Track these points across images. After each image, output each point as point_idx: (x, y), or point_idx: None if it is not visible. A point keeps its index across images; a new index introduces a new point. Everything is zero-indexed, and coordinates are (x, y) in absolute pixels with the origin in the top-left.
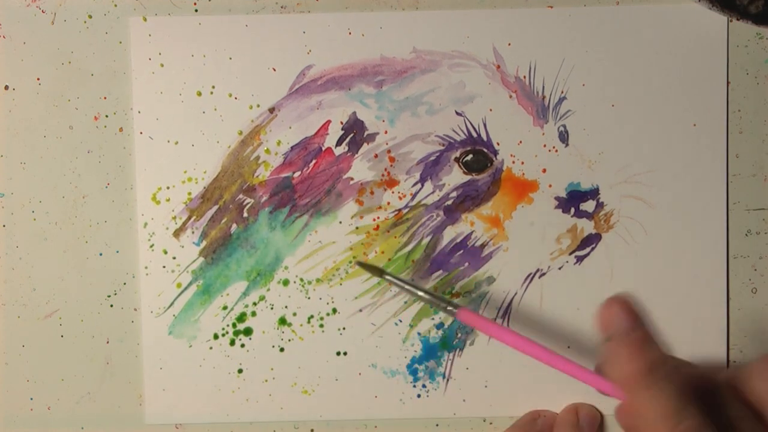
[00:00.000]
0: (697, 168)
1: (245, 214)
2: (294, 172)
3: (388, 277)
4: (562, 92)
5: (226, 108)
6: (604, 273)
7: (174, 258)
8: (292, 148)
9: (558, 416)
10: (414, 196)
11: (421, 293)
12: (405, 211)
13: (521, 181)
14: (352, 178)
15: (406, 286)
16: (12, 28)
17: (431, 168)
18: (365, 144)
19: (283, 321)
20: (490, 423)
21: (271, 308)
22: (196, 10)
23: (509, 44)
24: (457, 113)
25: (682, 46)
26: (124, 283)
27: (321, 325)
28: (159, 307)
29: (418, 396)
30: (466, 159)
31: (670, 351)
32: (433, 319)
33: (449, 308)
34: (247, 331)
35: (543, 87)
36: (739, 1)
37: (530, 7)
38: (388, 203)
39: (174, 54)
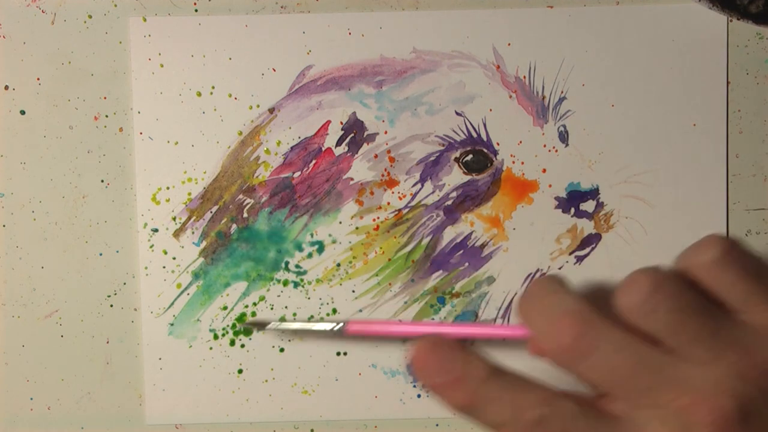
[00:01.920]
0: (697, 168)
1: (245, 215)
2: (294, 173)
3: (270, 327)
4: (562, 92)
5: (225, 108)
6: (604, 273)
7: (174, 258)
8: (292, 148)
9: None
10: (414, 196)
11: (303, 326)
12: (405, 211)
13: (521, 181)
14: (352, 179)
15: (291, 327)
16: (12, 28)
17: (431, 168)
18: (365, 144)
19: (283, 321)
20: None
21: (271, 308)
22: (196, 10)
23: (509, 44)
24: (457, 113)
25: (682, 46)
26: (124, 283)
27: None
28: (159, 308)
29: (419, 396)
30: (466, 159)
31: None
32: (433, 319)
33: (335, 329)
34: (247, 332)
35: (543, 87)
36: (739, 1)
37: (530, 7)
38: (388, 203)
39: (174, 54)
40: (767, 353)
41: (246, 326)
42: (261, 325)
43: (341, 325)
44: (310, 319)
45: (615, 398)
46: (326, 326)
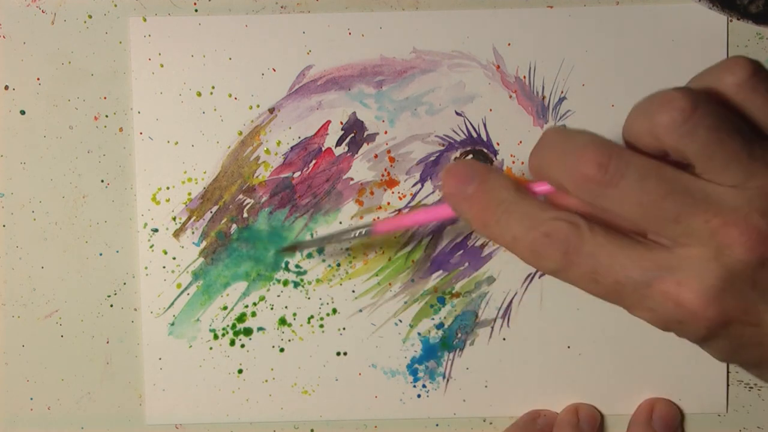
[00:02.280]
0: None
1: (245, 215)
2: (294, 173)
3: (303, 245)
4: (562, 92)
5: (225, 108)
6: None
7: (174, 258)
8: (292, 148)
9: (558, 416)
10: (414, 196)
11: (335, 235)
12: (405, 211)
13: (521, 181)
14: (352, 179)
15: (321, 240)
16: (12, 28)
17: (431, 168)
18: (365, 144)
19: (283, 321)
20: (490, 423)
21: (271, 308)
22: (196, 10)
23: (509, 44)
24: (457, 113)
25: (682, 46)
26: (124, 283)
27: (321, 325)
28: (159, 308)
29: (418, 396)
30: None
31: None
32: (433, 319)
33: (366, 231)
34: (247, 332)
35: (543, 87)
36: (739, 0)
37: (530, 7)
38: (388, 203)
39: (174, 54)
40: None
41: (284, 251)
42: (296, 247)
43: (368, 228)
44: (311, 319)
45: (645, 230)
46: (355, 232)
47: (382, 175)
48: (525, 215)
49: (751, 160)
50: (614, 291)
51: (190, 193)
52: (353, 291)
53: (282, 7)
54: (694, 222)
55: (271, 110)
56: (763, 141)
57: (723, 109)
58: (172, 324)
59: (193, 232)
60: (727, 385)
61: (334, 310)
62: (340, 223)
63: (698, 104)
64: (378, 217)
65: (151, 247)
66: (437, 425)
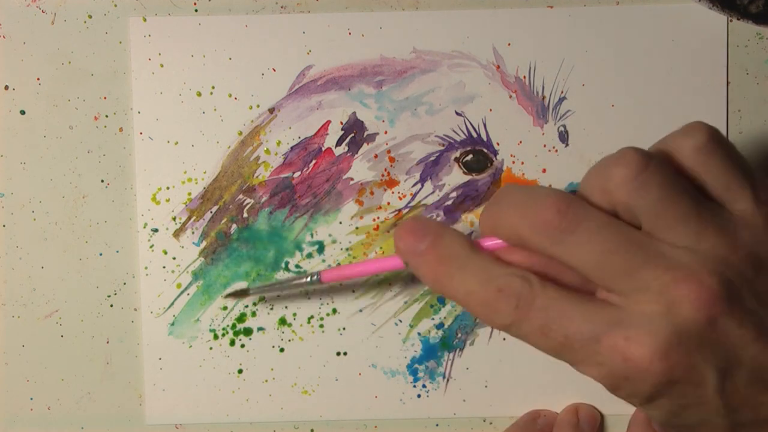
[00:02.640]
0: None
1: (245, 215)
2: (294, 173)
3: (252, 291)
4: (562, 92)
5: (225, 108)
6: None
7: (174, 258)
8: (292, 148)
9: (558, 416)
10: (414, 196)
11: (282, 282)
12: (405, 211)
13: (521, 181)
14: (352, 179)
15: (271, 287)
16: (12, 28)
17: (431, 168)
18: (365, 144)
19: (283, 321)
20: (490, 423)
21: (271, 308)
22: (196, 10)
23: (509, 44)
24: (457, 113)
25: (682, 46)
26: (124, 283)
27: (321, 325)
28: (159, 308)
29: (418, 396)
30: (466, 159)
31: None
32: (433, 319)
33: (313, 279)
34: (247, 332)
35: (543, 87)
36: (739, 1)
37: (530, 7)
38: (388, 203)
39: (174, 54)
40: (747, 240)
41: (228, 297)
42: (243, 293)
43: (316, 276)
44: (311, 319)
45: (597, 283)
46: (303, 279)
47: (382, 175)
48: (478, 271)
49: (699, 221)
50: (563, 346)
51: (190, 193)
52: (353, 291)
53: (282, 7)
54: (646, 275)
55: (271, 110)
56: (710, 204)
57: (673, 170)
58: (172, 324)
59: (193, 232)
60: None
61: (334, 310)
62: (340, 223)
63: (650, 161)
64: (330, 265)
65: (151, 247)
66: (437, 425)
